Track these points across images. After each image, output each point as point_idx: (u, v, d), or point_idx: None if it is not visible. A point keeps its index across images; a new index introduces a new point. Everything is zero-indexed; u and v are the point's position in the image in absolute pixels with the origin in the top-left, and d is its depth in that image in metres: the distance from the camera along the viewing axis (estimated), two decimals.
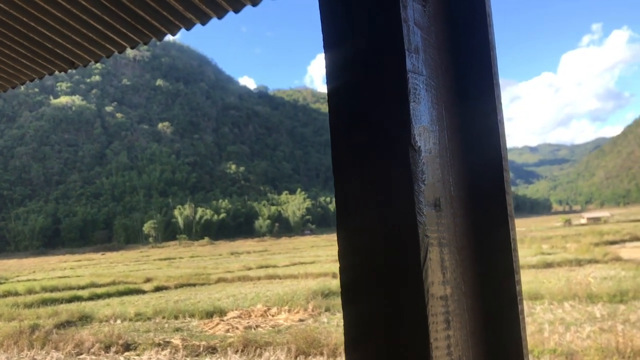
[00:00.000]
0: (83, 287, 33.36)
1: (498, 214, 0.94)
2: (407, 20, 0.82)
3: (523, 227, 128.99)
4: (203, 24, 3.76)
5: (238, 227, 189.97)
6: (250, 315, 19.97)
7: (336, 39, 0.87)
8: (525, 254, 45.01)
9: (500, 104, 0.98)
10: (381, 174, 0.81)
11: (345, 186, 0.84)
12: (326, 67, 0.88)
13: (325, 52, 0.88)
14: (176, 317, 20.80)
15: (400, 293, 0.78)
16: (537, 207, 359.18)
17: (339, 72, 0.87)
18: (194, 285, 33.73)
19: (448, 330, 0.82)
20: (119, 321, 20.51)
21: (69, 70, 4.60)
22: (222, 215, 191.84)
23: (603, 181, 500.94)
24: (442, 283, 0.82)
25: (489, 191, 0.94)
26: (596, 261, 36.80)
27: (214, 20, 3.74)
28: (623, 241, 56.07)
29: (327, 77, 0.88)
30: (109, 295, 29.97)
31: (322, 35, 0.88)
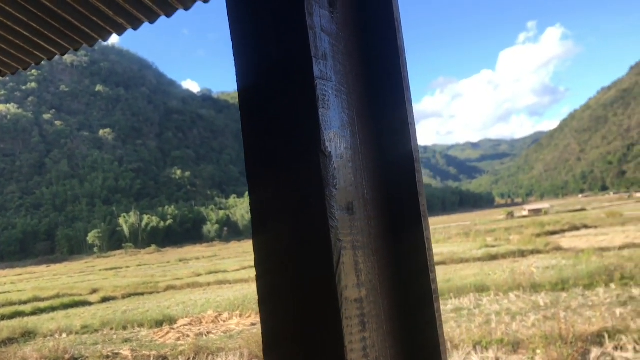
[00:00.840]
0: (25, 302, 32.17)
1: (412, 214, 0.96)
2: (313, 27, 0.83)
3: (468, 221, 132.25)
4: (135, 28, 3.68)
5: (186, 233, 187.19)
6: (201, 322, 19.70)
7: (244, 47, 0.87)
8: (471, 247, 46.14)
9: (411, 107, 1.00)
10: (293, 181, 0.81)
11: (259, 193, 0.84)
12: (237, 74, 0.88)
13: (234, 59, 0.88)
14: (125, 328, 20.32)
15: (315, 298, 0.79)
16: (480, 202, 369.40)
17: (248, 80, 0.87)
18: (142, 294, 33.13)
19: (364, 332, 0.83)
20: (64, 335, 19.85)
21: (1, 78, 4.43)
22: (169, 221, 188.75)
23: (542, 174, 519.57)
24: (356, 286, 0.83)
25: (402, 193, 0.96)
26: (538, 251, 38.06)
27: (154, 24, 3.68)
28: (563, 231, 58.17)
29: (237, 84, 0.88)
30: (53, 308, 28.98)
31: (231, 43, 0.88)
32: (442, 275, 30.01)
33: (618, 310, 15.93)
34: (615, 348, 12.85)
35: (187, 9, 3.43)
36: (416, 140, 0.98)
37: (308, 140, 0.80)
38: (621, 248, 33.92)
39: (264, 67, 0.85)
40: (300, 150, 0.81)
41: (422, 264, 0.94)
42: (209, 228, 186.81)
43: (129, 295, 32.78)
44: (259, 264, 0.84)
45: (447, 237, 68.43)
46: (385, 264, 0.93)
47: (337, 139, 0.85)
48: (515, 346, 13.97)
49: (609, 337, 13.30)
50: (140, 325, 20.44)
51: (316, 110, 0.80)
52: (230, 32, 0.88)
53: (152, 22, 3.58)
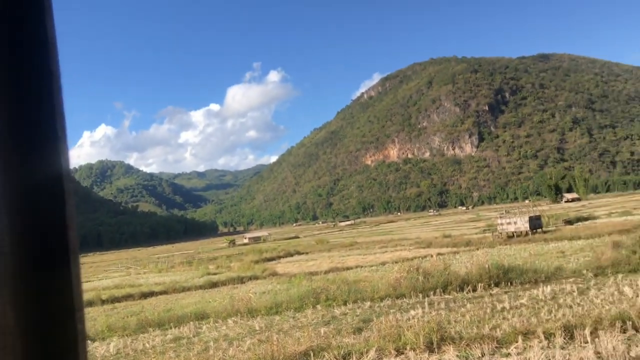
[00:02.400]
0: None
1: (60, 250, 0.88)
2: None
3: (192, 249, 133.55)
4: None
5: None
6: None
7: None
8: (193, 275, 46.48)
9: (64, 132, 0.92)
10: None
11: None
12: None
13: None
14: None
15: None
16: (205, 230, 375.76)
17: None
18: None
19: None
20: None
21: None
22: None
23: (262, 203, 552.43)
24: None
25: (48, 226, 0.88)
26: (256, 277, 40.13)
27: None
28: (279, 257, 62.51)
29: None
30: None
31: None
32: (163, 305, 29.51)
33: (322, 329, 17.54)
34: None
35: None
36: (68, 168, 0.91)
37: None
38: (327, 272, 37.78)
39: None
40: None
41: (68, 304, 0.87)
42: None
43: None
44: None
45: (171, 266, 67.90)
46: (28, 306, 0.84)
47: None
48: None
49: (314, 354, 14.53)
50: None
51: None
52: None
53: None
